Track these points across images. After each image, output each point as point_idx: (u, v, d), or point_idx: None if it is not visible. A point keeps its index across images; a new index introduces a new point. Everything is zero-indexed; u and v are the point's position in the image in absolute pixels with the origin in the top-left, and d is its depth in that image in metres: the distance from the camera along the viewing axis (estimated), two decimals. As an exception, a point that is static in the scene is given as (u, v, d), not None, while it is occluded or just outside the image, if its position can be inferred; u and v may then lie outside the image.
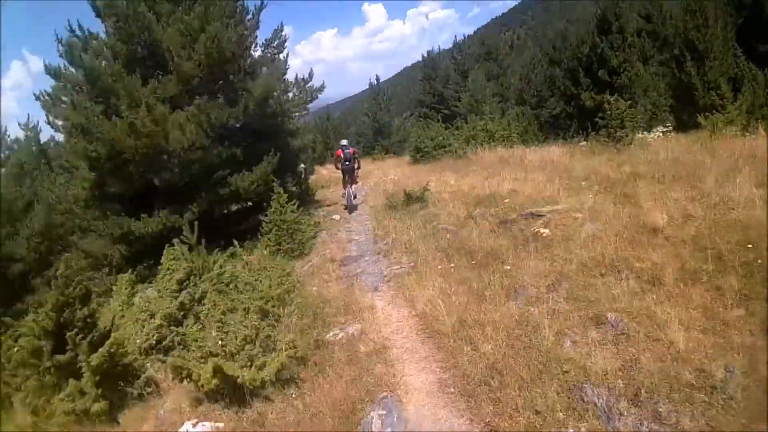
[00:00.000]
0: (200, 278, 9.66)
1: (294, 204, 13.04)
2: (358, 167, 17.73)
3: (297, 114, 18.48)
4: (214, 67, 14.20)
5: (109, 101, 13.83)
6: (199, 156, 13.55)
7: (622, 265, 7.60)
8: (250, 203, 16.03)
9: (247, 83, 15.26)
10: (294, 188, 19.11)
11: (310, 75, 18.13)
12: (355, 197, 17.95)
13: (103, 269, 15.58)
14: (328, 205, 19.67)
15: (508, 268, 8.89)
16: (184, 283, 9.56)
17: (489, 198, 13.65)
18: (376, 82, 46.58)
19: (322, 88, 18.25)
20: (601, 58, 27.17)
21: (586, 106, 26.78)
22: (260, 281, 9.13)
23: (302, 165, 22.66)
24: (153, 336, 8.50)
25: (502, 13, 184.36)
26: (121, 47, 14.38)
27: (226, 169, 14.83)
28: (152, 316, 9.02)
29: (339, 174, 18.51)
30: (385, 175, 23.32)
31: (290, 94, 17.85)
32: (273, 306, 8.12)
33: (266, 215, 12.89)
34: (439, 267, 9.69)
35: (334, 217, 16.65)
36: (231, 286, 9.38)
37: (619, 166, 14.43)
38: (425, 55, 50.26)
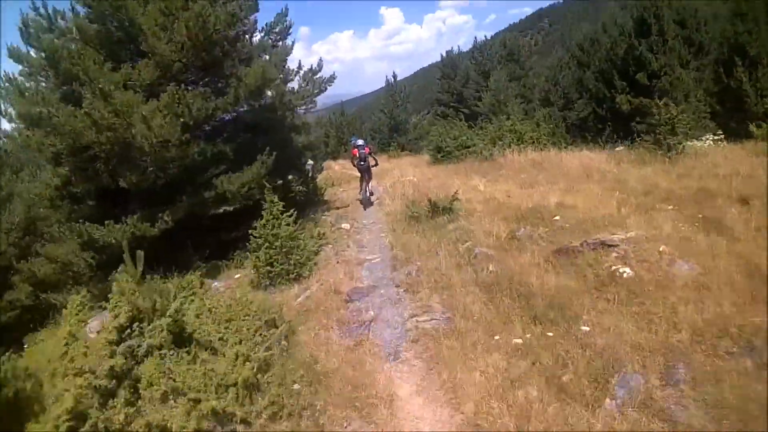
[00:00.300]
0: (149, 324, 6.49)
1: (291, 215, 9.81)
2: (375, 164, 16.62)
3: (303, 108, 15.12)
4: (200, 51, 11.17)
5: (72, 88, 10.89)
6: (175, 154, 10.40)
7: (757, 339, 5.19)
8: (245, 204, 12.89)
9: (240, 71, 12.11)
10: (300, 187, 16.18)
11: (319, 65, 14.97)
12: (371, 194, 16.55)
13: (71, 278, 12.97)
14: (338, 208, 16.51)
15: (588, 330, 6.08)
16: (126, 332, 6.39)
17: (533, 213, 10.87)
18: (393, 80, 43.43)
19: (332, 78, 15.00)
20: (639, 61, 23.97)
21: (622, 110, 24.03)
22: (226, 339, 5.96)
23: (310, 162, 19.65)
24: (61, 425, 5.29)
25: (519, 20, 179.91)
26: (90, 27, 11.44)
27: (215, 168, 11.72)
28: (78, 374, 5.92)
29: (351, 171, 19.25)
30: (402, 175, 20.14)
31: (295, 86, 14.70)
32: (237, 395, 4.95)
33: (255, 227, 9.71)
34: (495, 332, 6.48)
35: (343, 225, 13.45)
36: (189, 334, 6.28)
37: (680, 178, 12.25)
38: (444, 55, 47.24)
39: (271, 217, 9.44)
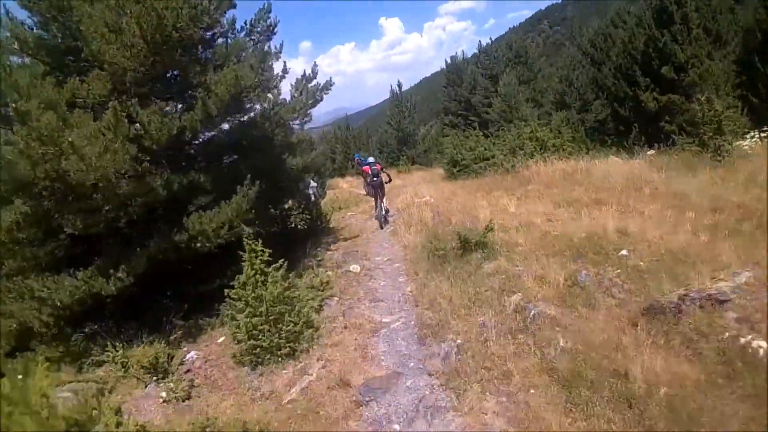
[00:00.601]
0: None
1: (280, 266, 7.12)
2: (389, 180, 15.65)
3: (297, 122, 12.29)
4: (159, 55, 8.47)
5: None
6: (128, 189, 7.77)
7: None
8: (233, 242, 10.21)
9: (209, 78, 9.27)
10: (300, 215, 13.64)
11: (314, 71, 12.18)
12: (387, 211, 15.57)
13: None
14: (346, 239, 13.84)
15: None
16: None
17: (591, 245, 8.33)
18: (398, 90, 40.43)
19: (328, 86, 12.21)
20: (663, 53, 21.19)
21: (648, 109, 21.29)
22: None
23: (313, 184, 17.16)
24: None
25: (519, 23, 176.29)
26: (30, 35, 9.10)
27: (192, 204, 9.11)
28: None
29: (360, 189, 20.75)
30: (416, 194, 17.53)
31: (287, 97, 11.77)
32: None
33: (233, 285, 7.04)
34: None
35: (351, 268, 10.62)
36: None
37: (745, 188, 10.07)
38: (448, 61, 44.46)
39: (253, 272, 6.80)
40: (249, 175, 8.75)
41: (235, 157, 10.75)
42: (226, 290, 7.05)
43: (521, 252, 8.66)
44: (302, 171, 12.68)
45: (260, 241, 7.02)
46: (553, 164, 16.87)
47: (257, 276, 6.76)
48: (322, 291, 8.74)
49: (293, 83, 11.80)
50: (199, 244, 8.41)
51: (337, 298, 8.81)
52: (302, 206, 14.24)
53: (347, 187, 28.22)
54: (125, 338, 8.86)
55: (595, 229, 8.94)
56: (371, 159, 16.43)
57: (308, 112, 11.72)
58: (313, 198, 15.90)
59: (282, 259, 7.17)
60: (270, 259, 7.00)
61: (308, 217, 14.49)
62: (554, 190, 13.30)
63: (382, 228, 14.64)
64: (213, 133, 9.85)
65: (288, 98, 11.59)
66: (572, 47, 38.16)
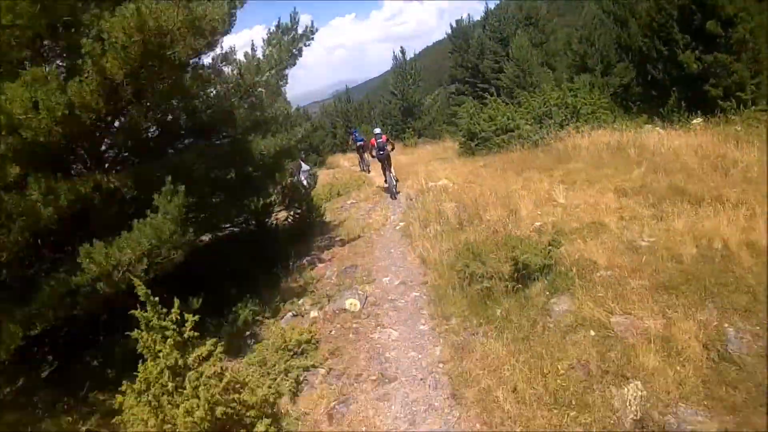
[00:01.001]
0: None
1: (209, 353, 3.70)
2: (392, 149, 14.77)
3: (269, 86, 8.33)
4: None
5: None
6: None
7: None
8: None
9: (102, 23, 5.25)
10: (286, 210, 10.51)
11: (293, 20, 8.57)
12: (397, 180, 14.70)
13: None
14: (343, 242, 10.42)
15: None
16: None
17: (712, 269, 5.24)
18: (401, 56, 36.36)
19: (309, 33, 8.52)
20: (707, 6, 17.63)
21: (688, 71, 17.76)
22: None
23: (305, 167, 14.02)
24: None
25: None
26: None
27: (109, 222, 5.78)
28: None
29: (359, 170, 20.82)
30: (429, 175, 14.30)
31: (258, 52, 8.28)
32: None
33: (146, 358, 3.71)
34: None
35: (348, 304, 6.99)
36: None
37: None
38: (453, 25, 40.40)
39: (158, 371, 3.53)
40: (169, 178, 5.19)
41: (187, 143, 7.50)
42: (119, 397, 3.81)
43: (606, 281, 5.44)
44: (278, 156, 8.96)
45: (179, 301, 3.76)
46: (590, 135, 13.64)
47: (165, 378, 3.49)
48: (301, 355, 5.47)
49: (264, 38, 8.39)
50: (103, 291, 5.11)
51: (323, 371, 5.40)
52: (287, 199, 10.89)
53: (348, 165, 24.83)
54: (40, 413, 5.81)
55: (706, 238, 5.75)
56: (377, 130, 15.16)
57: (284, 73, 8.23)
58: (303, 185, 12.56)
59: (216, 339, 3.85)
60: (194, 334, 3.72)
61: (298, 211, 11.25)
62: (605, 171, 10.04)
63: (393, 198, 13.73)
64: (128, 110, 6.32)
65: (258, 53, 8.20)
66: (593, 4, 34.25)
